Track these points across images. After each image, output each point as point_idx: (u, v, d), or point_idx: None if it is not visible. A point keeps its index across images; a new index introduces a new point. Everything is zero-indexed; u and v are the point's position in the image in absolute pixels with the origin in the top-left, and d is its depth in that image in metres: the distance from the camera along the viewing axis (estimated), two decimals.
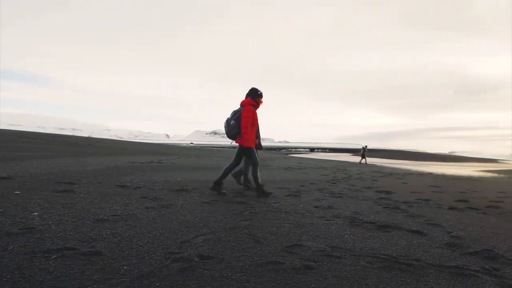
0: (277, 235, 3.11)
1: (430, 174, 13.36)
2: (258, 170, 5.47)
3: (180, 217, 3.58)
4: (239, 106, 5.32)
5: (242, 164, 5.87)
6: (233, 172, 5.84)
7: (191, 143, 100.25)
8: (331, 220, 3.87)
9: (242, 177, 6.15)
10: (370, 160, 30.47)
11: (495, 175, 14.52)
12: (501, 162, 34.92)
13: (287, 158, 26.06)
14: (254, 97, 5.27)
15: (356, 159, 32.97)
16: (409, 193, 6.80)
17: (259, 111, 5.48)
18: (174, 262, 2.26)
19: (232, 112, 5.32)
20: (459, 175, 13.74)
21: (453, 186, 8.51)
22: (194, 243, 2.69)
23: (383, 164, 22.84)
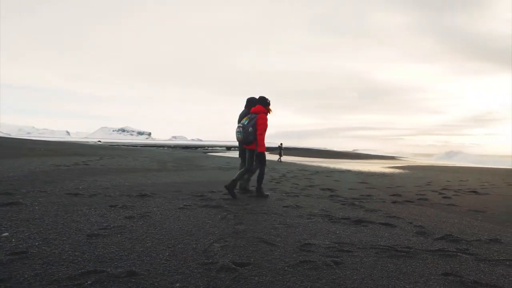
0: (281, 237, 3.22)
1: (349, 171, 14.91)
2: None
3: (172, 225, 3.42)
4: (250, 114, 5.57)
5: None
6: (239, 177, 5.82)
7: (99, 141, 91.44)
8: (311, 219, 4.13)
9: (239, 182, 6.00)
10: (288, 159, 32.35)
11: (401, 171, 16.98)
12: (399, 159, 41.00)
13: (210, 158, 25.99)
14: (265, 105, 5.59)
15: (274, 157, 34.65)
16: (348, 189, 7.51)
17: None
18: (219, 272, 2.20)
19: (244, 119, 5.52)
20: (374, 171, 15.67)
21: (378, 182, 9.72)
22: (216, 251, 2.63)
23: (303, 162, 24.54)
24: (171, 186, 6.59)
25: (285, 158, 29.98)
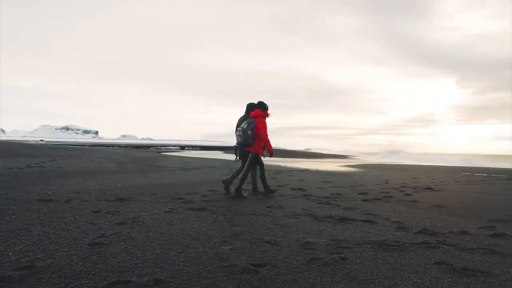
0: (280, 236, 3.34)
1: (308, 170, 15.45)
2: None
3: (170, 230, 3.38)
4: (249, 118, 5.87)
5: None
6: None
7: (41, 140, 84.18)
8: (298, 218, 4.29)
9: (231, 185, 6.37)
10: None
11: (357, 169, 17.93)
12: (351, 158, 42.97)
13: (168, 158, 25.34)
14: (264, 109, 5.89)
15: (230, 156, 34.58)
16: (316, 189, 7.82)
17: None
18: (242, 274, 2.25)
19: (244, 123, 5.80)
20: (332, 170, 16.38)
21: (340, 181, 10.20)
22: (227, 254, 2.67)
23: (268, 163, 24.83)
24: (143, 188, 6.41)
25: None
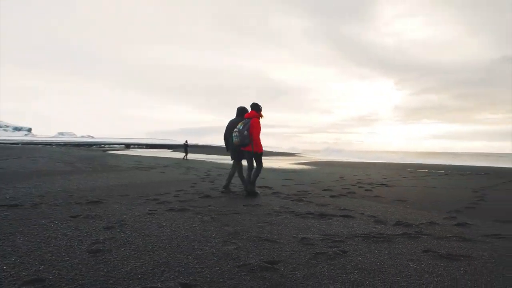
0: (275, 233, 3.41)
1: (263, 168, 15.64)
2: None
3: (164, 232, 3.29)
4: (244, 119, 6.14)
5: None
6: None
7: None
8: (281, 215, 4.39)
9: (228, 183, 6.59)
10: (194, 156, 32.00)
11: (309, 167, 18.67)
12: (299, 155, 44.47)
13: (116, 156, 24.12)
14: (258, 111, 6.16)
15: (179, 155, 33.70)
16: (281, 186, 8.02)
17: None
18: (262, 272, 2.29)
19: (240, 124, 6.03)
20: (287, 168, 16.90)
21: (300, 178, 10.56)
22: (235, 253, 2.69)
23: (212, 160, 24.68)
24: (109, 190, 6.10)
25: (190, 156, 29.70)
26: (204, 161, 22.91)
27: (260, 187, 7.59)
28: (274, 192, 6.76)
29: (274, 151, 61.36)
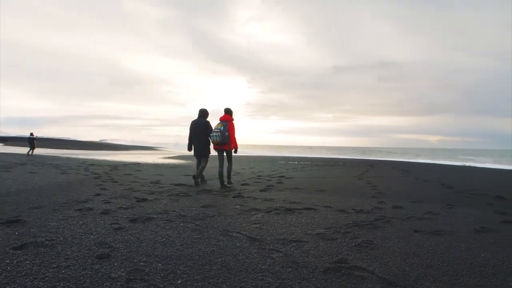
0: (283, 232, 3.32)
1: (139, 164, 14.27)
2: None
3: (166, 240, 2.70)
4: (220, 121, 6.97)
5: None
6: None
7: None
8: (256, 214, 4.24)
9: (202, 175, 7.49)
10: (42, 151, 26.43)
11: (184, 161, 18.13)
12: (160, 149, 41.82)
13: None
14: (231, 114, 7.13)
15: (19, 149, 27.28)
16: (195, 185, 7.64)
17: None
18: (325, 273, 2.23)
19: (220, 126, 6.85)
20: (167, 163, 15.86)
21: (209, 175, 10.28)
22: (264, 253, 2.51)
23: (69, 155, 20.87)
24: (28, 193, 4.42)
25: (38, 151, 24.37)
26: (59, 156, 19.06)
27: (175, 185, 7.00)
28: (202, 191, 6.33)
29: (131, 144, 56.46)
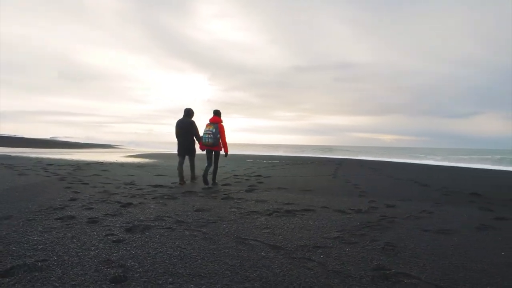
0: (286, 237, 3.12)
1: (102, 163, 13.34)
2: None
3: (182, 252, 2.39)
4: (209, 122, 7.06)
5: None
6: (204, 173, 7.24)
7: None
8: (256, 218, 4.05)
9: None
10: None
11: (150, 160, 17.07)
12: (119, 147, 39.50)
13: None
14: (220, 116, 7.22)
15: None
16: (177, 186, 7.28)
17: None
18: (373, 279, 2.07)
19: (211, 128, 6.93)
20: (132, 162, 14.97)
21: (173, 174, 9.79)
22: (304, 256, 2.30)
23: (21, 155, 18.98)
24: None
25: None
26: (9, 155, 17.21)
27: (153, 186, 6.54)
28: (187, 191, 5.97)
29: (89, 142, 52.89)
